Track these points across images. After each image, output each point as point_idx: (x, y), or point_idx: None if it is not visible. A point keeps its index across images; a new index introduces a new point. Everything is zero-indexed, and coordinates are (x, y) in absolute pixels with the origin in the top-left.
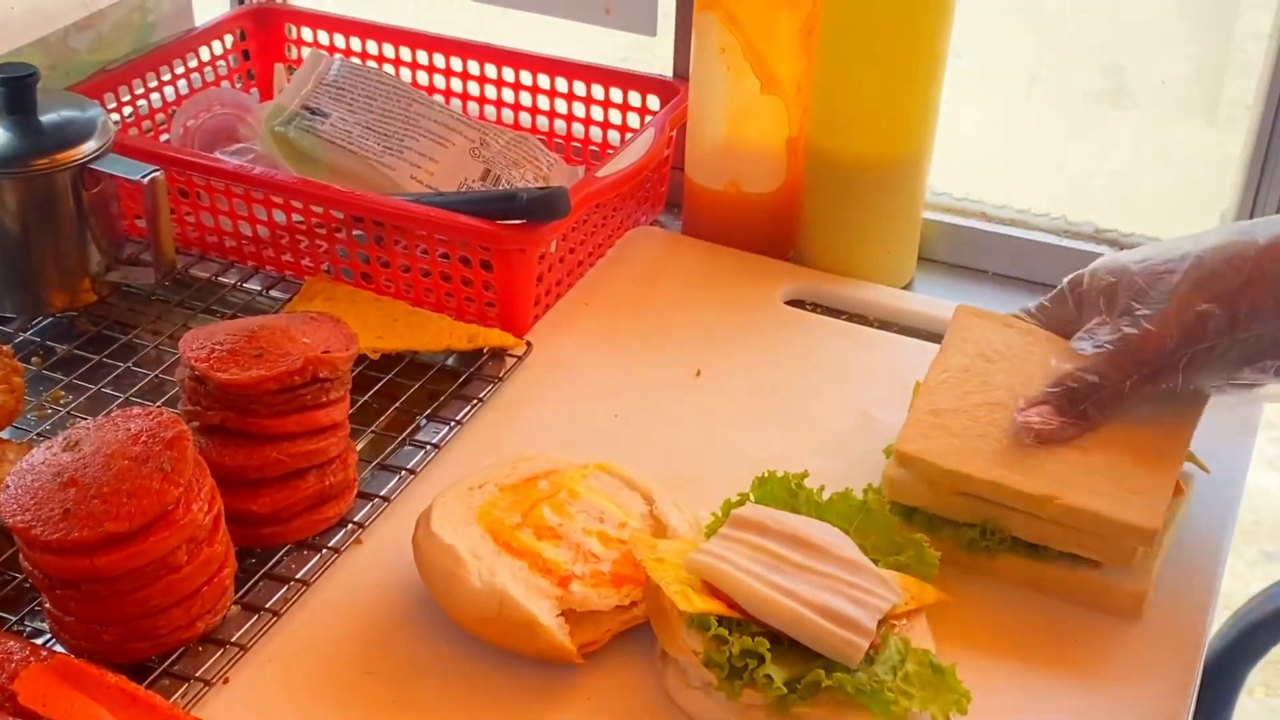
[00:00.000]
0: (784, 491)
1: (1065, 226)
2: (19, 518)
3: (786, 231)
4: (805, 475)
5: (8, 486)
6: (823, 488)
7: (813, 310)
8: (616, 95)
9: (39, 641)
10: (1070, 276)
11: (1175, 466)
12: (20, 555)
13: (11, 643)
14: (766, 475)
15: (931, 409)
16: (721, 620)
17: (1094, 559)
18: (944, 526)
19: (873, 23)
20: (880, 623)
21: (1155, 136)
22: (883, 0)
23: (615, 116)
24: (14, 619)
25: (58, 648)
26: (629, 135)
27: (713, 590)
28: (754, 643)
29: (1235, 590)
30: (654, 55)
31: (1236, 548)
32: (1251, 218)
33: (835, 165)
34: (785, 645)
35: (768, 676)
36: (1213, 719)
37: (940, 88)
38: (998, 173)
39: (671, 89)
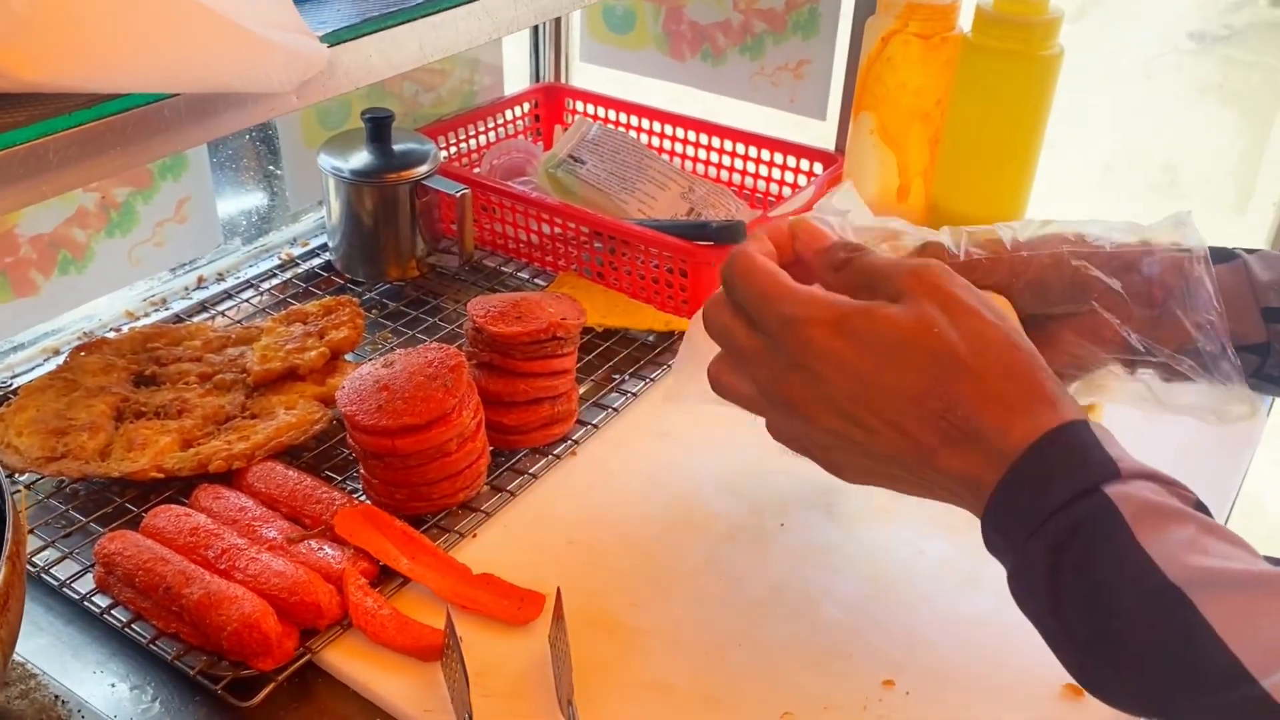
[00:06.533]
0: None
1: None
2: (349, 408)
3: None
4: None
5: (344, 387)
6: None
7: None
8: (790, 160)
9: (354, 494)
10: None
11: None
12: (347, 435)
13: (335, 493)
14: None
15: None
16: None
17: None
18: None
19: (983, 129)
20: None
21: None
22: (991, 112)
23: (789, 176)
24: (340, 478)
25: (365, 500)
26: (796, 189)
27: None
28: None
29: None
30: (816, 132)
31: None
32: None
33: (949, 220)
34: None
35: None
36: None
37: (1032, 173)
38: None
39: (831, 158)
